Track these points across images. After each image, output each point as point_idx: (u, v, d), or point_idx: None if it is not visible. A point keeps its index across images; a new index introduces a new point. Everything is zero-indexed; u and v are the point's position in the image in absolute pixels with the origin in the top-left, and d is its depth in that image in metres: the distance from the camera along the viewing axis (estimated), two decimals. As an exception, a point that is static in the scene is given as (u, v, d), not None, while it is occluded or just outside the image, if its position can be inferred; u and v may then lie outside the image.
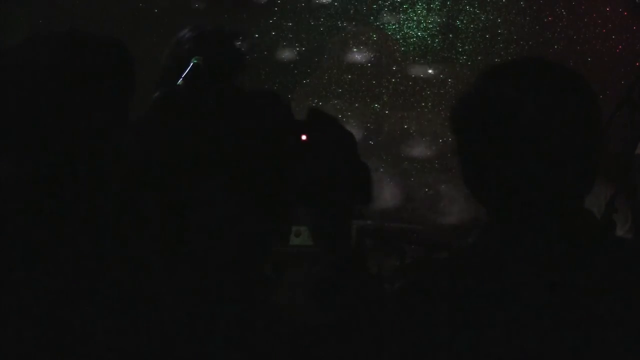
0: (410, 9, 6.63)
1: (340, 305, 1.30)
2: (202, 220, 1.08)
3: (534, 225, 1.39)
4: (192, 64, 3.60)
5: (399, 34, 6.65)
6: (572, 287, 1.34)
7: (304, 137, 1.24)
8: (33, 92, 1.32)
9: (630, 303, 1.34)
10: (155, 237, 1.08)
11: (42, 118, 1.32)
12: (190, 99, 1.16)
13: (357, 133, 6.53)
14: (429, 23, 6.63)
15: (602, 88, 5.34)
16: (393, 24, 6.64)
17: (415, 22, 6.64)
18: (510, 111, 1.38)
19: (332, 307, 1.30)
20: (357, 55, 6.63)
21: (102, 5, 6.21)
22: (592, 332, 1.32)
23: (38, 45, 1.37)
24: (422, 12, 6.63)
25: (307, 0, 6.59)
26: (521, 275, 1.36)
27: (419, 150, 6.51)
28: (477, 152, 1.43)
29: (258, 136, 1.13)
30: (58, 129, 1.31)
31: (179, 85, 3.05)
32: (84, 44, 1.38)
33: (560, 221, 1.39)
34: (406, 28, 6.65)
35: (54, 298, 1.10)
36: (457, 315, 1.36)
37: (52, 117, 1.32)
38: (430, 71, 6.58)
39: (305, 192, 1.27)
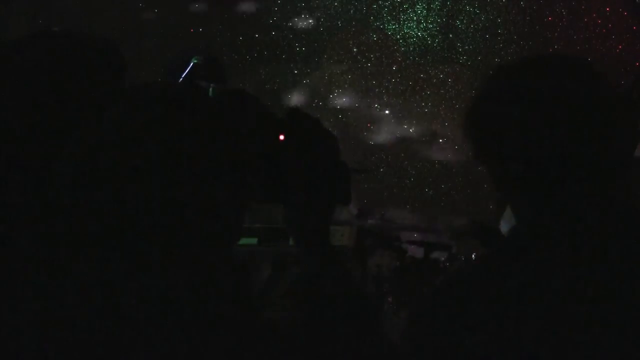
0: (410, 9, 6.63)
1: (321, 307, 1.28)
2: (166, 217, 1.07)
3: (571, 220, 1.38)
4: (192, 63, 3.63)
5: (399, 34, 6.65)
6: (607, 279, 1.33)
7: (281, 137, 1.23)
8: (23, 92, 1.32)
9: None
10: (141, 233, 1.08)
11: (32, 118, 1.31)
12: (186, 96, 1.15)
13: (357, 133, 6.54)
14: (429, 23, 6.63)
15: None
16: (393, 24, 6.65)
17: (415, 22, 6.64)
18: (536, 109, 1.38)
19: (313, 309, 1.29)
20: (357, 55, 6.63)
21: (102, 6, 6.21)
22: (631, 327, 1.31)
23: (28, 45, 1.37)
24: (422, 12, 6.63)
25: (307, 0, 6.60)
26: (557, 272, 1.35)
27: (419, 150, 6.51)
28: (506, 154, 1.41)
29: (229, 136, 1.12)
30: (49, 130, 1.30)
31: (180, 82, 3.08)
32: (76, 44, 1.38)
33: (597, 213, 1.38)
34: (406, 28, 6.65)
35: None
36: (492, 317, 1.34)
37: (43, 117, 1.31)
38: (430, 71, 6.58)
39: (283, 192, 1.26)
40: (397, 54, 6.64)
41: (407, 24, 6.65)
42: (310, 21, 6.64)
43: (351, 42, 6.65)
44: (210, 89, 3.18)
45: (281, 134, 1.22)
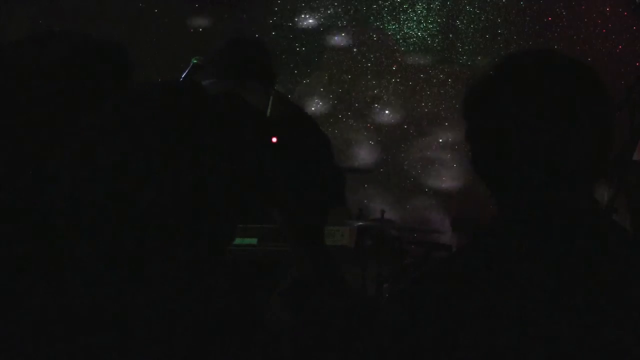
0: (410, 9, 6.63)
1: (312, 310, 1.29)
2: (161, 217, 1.07)
3: (543, 214, 1.40)
4: (192, 64, 3.63)
5: (399, 34, 6.65)
6: (579, 276, 1.35)
7: (274, 140, 1.23)
8: (29, 92, 1.32)
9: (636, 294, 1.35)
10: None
11: (35, 119, 1.32)
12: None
13: (357, 133, 6.54)
14: (429, 23, 6.63)
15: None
16: (393, 24, 6.65)
17: (415, 22, 6.64)
18: (521, 101, 1.40)
19: (304, 313, 1.29)
20: (357, 55, 6.63)
21: (102, 6, 6.21)
22: (600, 326, 1.33)
23: (37, 44, 1.37)
24: (422, 12, 6.64)
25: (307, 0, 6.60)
26: (528, 266, 1.37)
27: (419, 150, 6.51)
28: (485, 139, 1.43)
29: (224, 136, 1.12)
30: (54, 130, 1.30)
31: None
32: (84, 45, 1.38)
33: (567, 209, 1.40)
34: (406, 28, 6.65)
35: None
36: (461, 313, 1.36)
37: (49, 117, 1.32)
38: (430, 71, 6.58)
39: (276, 194, 1.26)
40: (397, 54, 6.64)
41: (407, 24, 6.65)
42: (310, 21, 6.65)
43: (351, 42, 6.65)
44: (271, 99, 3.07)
45: (274, 136, 1.22)
